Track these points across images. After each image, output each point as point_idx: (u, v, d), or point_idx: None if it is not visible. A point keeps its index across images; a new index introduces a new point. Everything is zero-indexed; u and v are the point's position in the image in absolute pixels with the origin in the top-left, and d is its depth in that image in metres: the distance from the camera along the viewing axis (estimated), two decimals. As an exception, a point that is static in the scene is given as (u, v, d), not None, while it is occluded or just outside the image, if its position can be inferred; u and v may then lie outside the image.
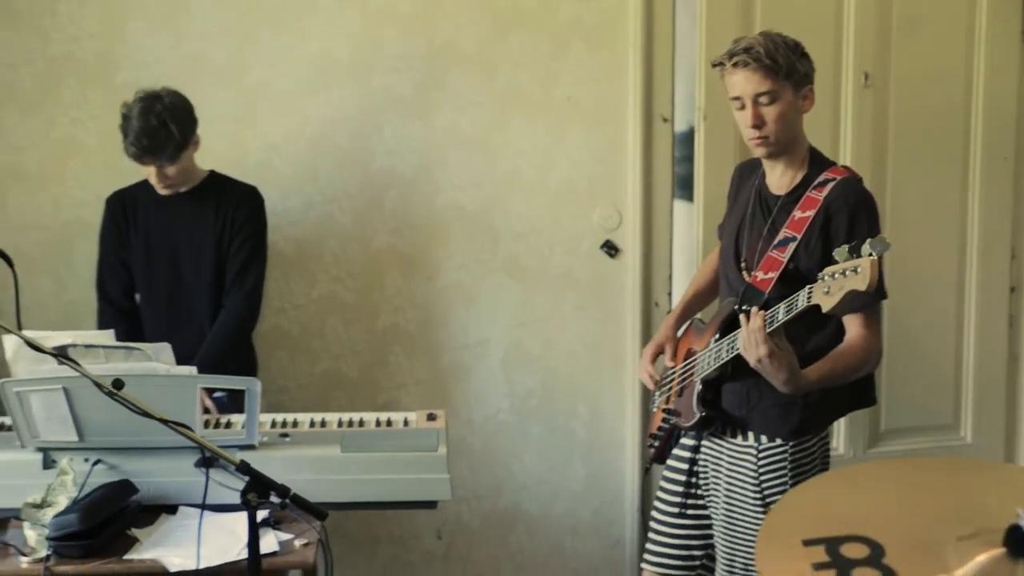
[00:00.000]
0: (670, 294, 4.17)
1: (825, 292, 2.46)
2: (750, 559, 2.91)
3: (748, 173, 3.07)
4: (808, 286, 2.54)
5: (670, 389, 3.13)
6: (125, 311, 3.68)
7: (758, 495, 2.89)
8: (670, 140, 4.12)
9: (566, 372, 4.25)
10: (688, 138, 4.05)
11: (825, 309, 2.47)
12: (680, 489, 3.09)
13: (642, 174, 4.12)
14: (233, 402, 3.41)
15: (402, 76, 4.05)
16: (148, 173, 3.51)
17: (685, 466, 3.08)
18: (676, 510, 3.10)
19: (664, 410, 3.12)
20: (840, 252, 2.45)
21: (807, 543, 1.90)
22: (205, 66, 3.95)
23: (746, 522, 2.91)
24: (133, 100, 3.44)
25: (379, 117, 4.06)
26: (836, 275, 2.44)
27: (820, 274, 2.50)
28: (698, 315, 3.28)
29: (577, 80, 4.11)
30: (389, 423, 3.24)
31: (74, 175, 3.98)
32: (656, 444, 3.17)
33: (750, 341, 2.61)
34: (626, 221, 4.17)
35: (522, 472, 4.29)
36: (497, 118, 4.11)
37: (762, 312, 2.61)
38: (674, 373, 3.13)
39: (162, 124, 3.38)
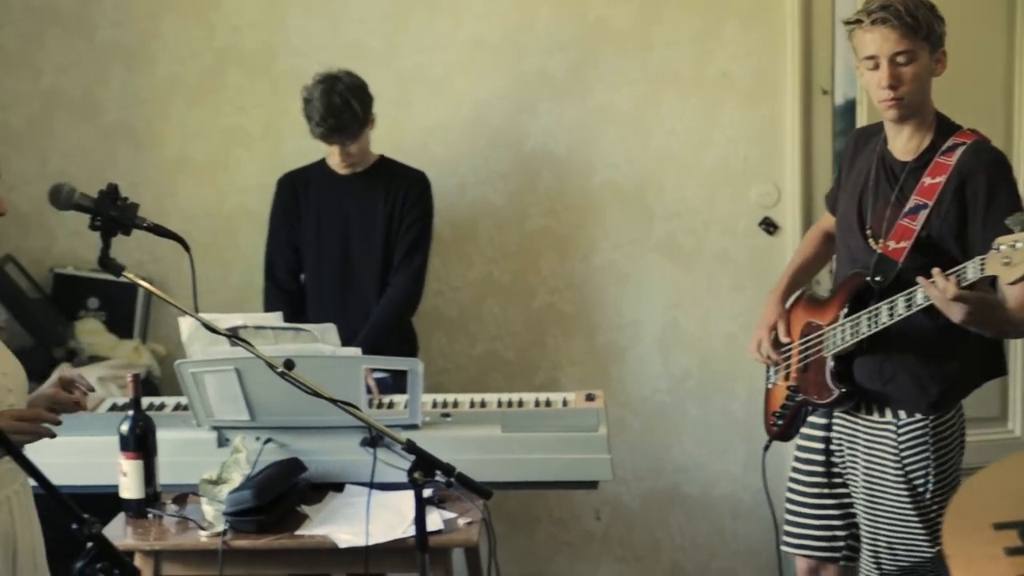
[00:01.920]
0: (831, 272, 4.05)
1: (1005, 263, 2.35)
2: (895, 539, 2.82)
3: (865, 140, 2.95)
4: (978, 257, 2.44)
5: (788, 366, 3.04)
6: (290, 291, 3.77)
7: (900, 474, 2.78)
8: (830, 113, 4.01)
9: (723, 353, 4.18)
10: (849, 110, 3.93)
11: (1010, 280, 2.35)
12: (820, 470, 2.98)
13: (801, 149, 4.02)
14: (396, 383, 3.46)
15: (555, 56, 4.04)
16: (331, 153, 3.61)
17: (820, 445, 2.97)
18: (814, 491, 3.00)
19: (788, 387, 3.04)
20: (1016, 220, 2.35)
21: (998, 527, 1.81)
22: (361, 52, 4.02)
23: (888, 502, 2.81)
24: (313, 83, 3.53)
25: (532, 98, 4.06)
26: (1018, 245, 2.33)
27: (995, 244, 2.39)
28: (805, 288, 3.18)
29: (732, 55, 4.03)
30: (548, 403, 3.25)
31: (239, 163, 4.11)
32: (780, 423, 3.08)
33: (952, 308, 2.52)
34: (784, 197, 4.08)
35: (681, 453, 4.25)
36: (651, 96, 4.07)
37: (950, 276, 2.50)
38: (791, 349, 3.05)
39: (345, 103, 3.48)
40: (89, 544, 1.49)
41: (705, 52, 4.03)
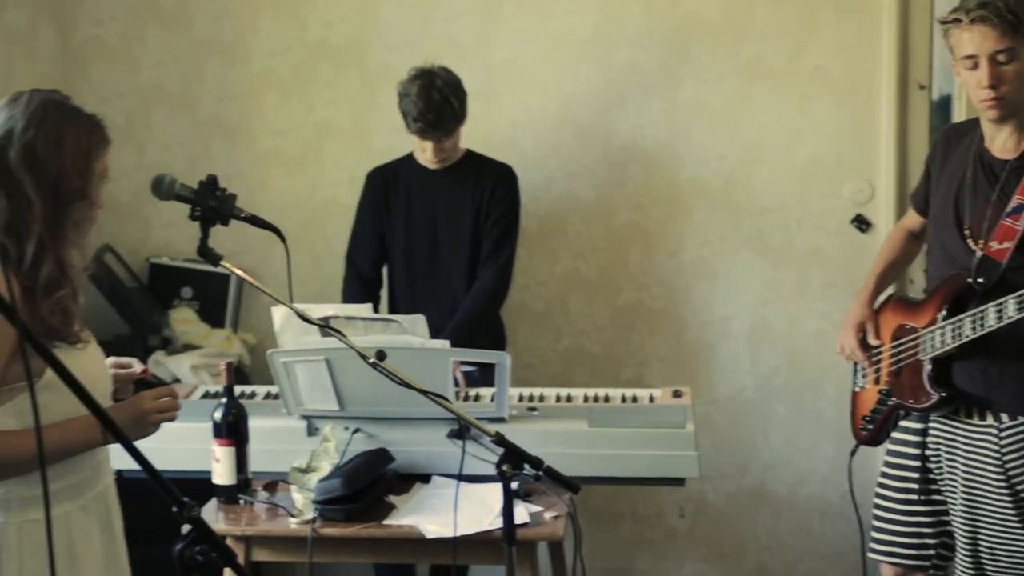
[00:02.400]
0: (926, 271, 3.97)
1: None
2: (997, 545, 2.75)
3: (958, 138, 2.87)
4: None
5: (879, 369, 2.98)
6: (369, 281, 3.80)
7: (1002, 479, 2.71)
8: (927, 108, 3.93)
9: (813, 351, 4.12)
10: (945, 106, 3.85)
11: None
12: (914, 476, 2.91)
13: (896, 145, 3.95)
14: (483, 377, 3.48)
15: (645, 50, 4.02)
16: (423, 147, 3.62)
17: (915, 451, 2.90)
18: (906, 497, 2.93)
19: (880, 391, 2.98)
20: None
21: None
22: (452, 46, 4.04)
23: (989, 507, 2.74)
24: (409, 79, 3.54)
25: (622, 92, 4.05)
26: None
27: None
28: (891, 290, 3.13)
29: (826, 49, 3.97)
30: (635, 399, 3.24)
31: (330, 156, 4.16)
32: (870, 427, 3.02)
33: None
34: (879, 194, 4.01)
35: (768, 452, 4.20)
36: (742, 91, 4.02)
37: None
38: (881, 352, 2.98)
39: (444, 99, 3.49)
40: (188, 527, 1.52)
41: (798, 46, 3.98)
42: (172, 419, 2.22)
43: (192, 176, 2.33)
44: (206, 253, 2.20)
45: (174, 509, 1.51)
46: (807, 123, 4.02)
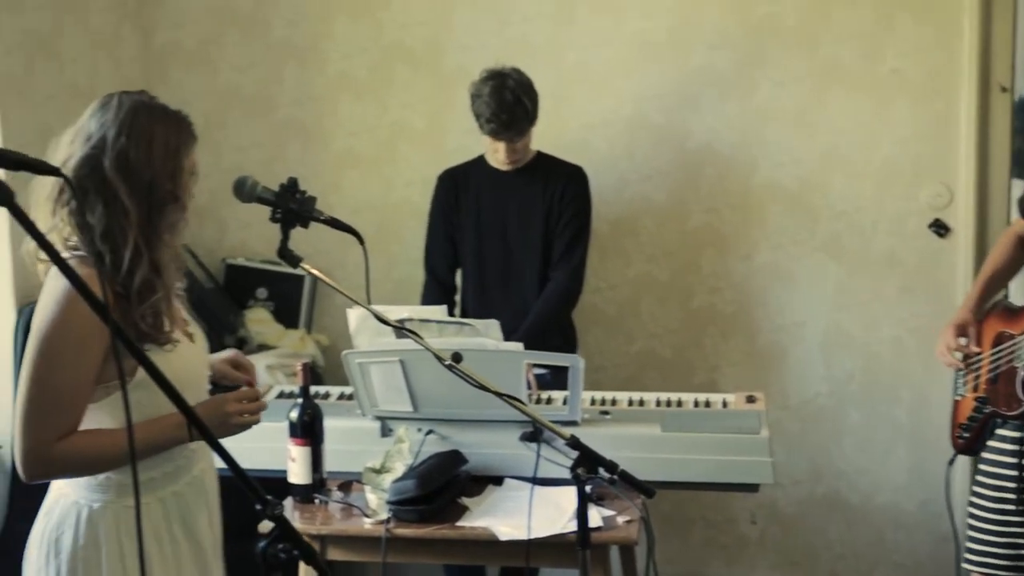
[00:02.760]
0: None
1: None
2: None
3: None
4: None
5: (978, 376, 2.92)
6: (447, 286, 3.82)
7: None
8: (1008, 110, 3.85)
9: (889, 357, 4.07)
10: (1028, 108, 3.77)
11: None
12: (1010, 485, 2.87)
13: (976, 148, 3.87)
14: (554, 380, 3.47)
15: (720, 52, 3.99)
16: (495, 148, 3.62)
17: (1011, 459, 2.86)
18: (1002, 506, 2.89)
19: (976, 399, 2.93)
20: None
21: None
22: (526, 48, 4.04)
23: None
24: (480, 80, 3.55)
25: (696, 94, 4.02)
26: None
27: None
28: (999, 297, 3.06)
29: (903, 51, 3.92)
30: (708, 404, 3.21)
31: (404, 157, 4.19)
32: (967, 435, 2.97)
33: None
34: (957, 199, 3.94)
35: (841, 459, 4.15)
36: (817, 93, 3.98)
37: None
38: (981, 359, 2.93)
39: (517, 99, 3.49)
40: (271, 525, 1.53)
41: (875, 48, 3.92)
42: (256, 422, 2.26)
43: (268, 178, 2.36)
44: (286, 255, 2.22)
45: (258, 507, 1.53)
46: (884, 126, 3.96)
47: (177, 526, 2.23)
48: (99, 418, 2.14)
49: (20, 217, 1.30)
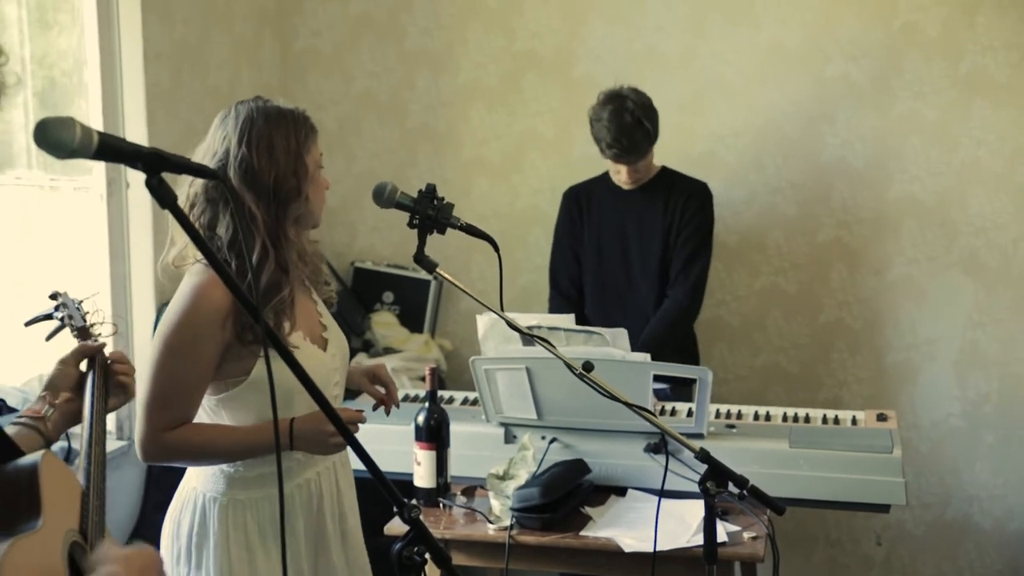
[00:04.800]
0: None
1: None
2: None
3: None
4: None
5: None
6: (572, 300, 3.81)
7: None
8: None
9: (1028, 379, 3.94)
10: None
11: None
12: None
13: None
14: (675, 394, 3.44)
15: (858, 63, 3.92)
16: (617, 170, 3.61)
17: None
18: None
19: None
20: None
21: None
22: (657, 59, 4.02)
23: None
24: (599, 104, 3.51)
25: (832, 106, 3.95)
26: None
27: None
28: None
29: (1053, 61, 3.79)
30: (837, 420, 3.14)
31: (532, 165, 4.21)
32: None
33: None
34: (1108, 216, 3.80)
35: (972, 482, 4.02)
36: (959, 105, 3.88)
37: None
38: None
39: (637, 122, 3.46)
40: (408, 528, 1.55)
41: (1022, 58, 3.80)
42: (342, 446, 2.26)
43: (399, 183, 2.38)
44: (423, 260, 2.24)
45: (395, 509, 1.55)
46: (1029, 139, 3.84)
47: (301, 519, 2.28)
48: (219, 414, 2.25)
49: (181, 218, 1.34)
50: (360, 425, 2.24)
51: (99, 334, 2.02)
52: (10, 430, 1.69)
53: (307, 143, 2.21)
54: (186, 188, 2.16)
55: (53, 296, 2.09)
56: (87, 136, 1.28)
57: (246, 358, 2.17)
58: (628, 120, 3.44)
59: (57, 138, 1.27)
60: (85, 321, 2.03)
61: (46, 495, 1.32)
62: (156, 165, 1.31)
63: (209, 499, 2.24)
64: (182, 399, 2.17)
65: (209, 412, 2.25)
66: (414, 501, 1.58)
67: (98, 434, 1.71)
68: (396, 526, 2.75)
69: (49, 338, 2.07)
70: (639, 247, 3.69)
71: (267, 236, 2.15)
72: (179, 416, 2.17)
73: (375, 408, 2.52)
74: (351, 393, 2.82)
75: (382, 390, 2.50)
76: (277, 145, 2.15)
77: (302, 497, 2.29)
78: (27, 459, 1.38)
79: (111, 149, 1.30)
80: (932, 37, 3.85)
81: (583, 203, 3.76)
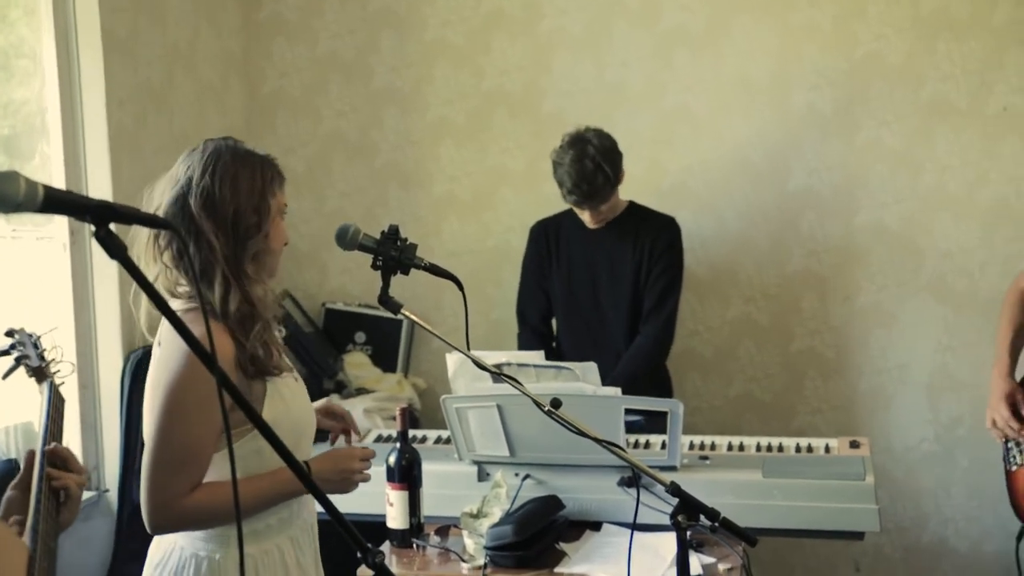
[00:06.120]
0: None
1: None
2: None
3: None
4: None
5: None
6: (542, 335, 3.81)
7: None
8: None
9: (999, 401, 3.95)
10: None
11: None
12: None
13: (1090, 187, 3.77)
14: (649, 425, 3.44)
15: (821, 92, 3.96)
16: (582, 211, 3.62)
17: None
18: None
19: None
20: None
21: None
22: (624, 92, 4.05)
23: None
24: (561, 148, 3.53)
25: (798, 135, 3.99)
26: None
27: None
28: None
29: (1015, 88, 3.84)
30: (810, 449, 3.15)
31: (503, 201, 4.22)
32: None
33: None
34: (1070, 239, 3.83)
35: (948, 506, 4.03)
36: (922, 132, 3.92)
37: None
38: None
39: (597, 167, 3.46)
40: (371, 573, 1.54)
41: (983, 84, 3.85)
42: (367, 479, 2.32)
43: (369, 223, 2.39)
44: (387, 301, 2.24)
45: (359, 555, 1.53)
46: (993, 164, 3.88)
47: (294, 571, 2.23)
48: (222, 467, 2.14)
49: (133, 271, 1.33)
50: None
51: (56, 371, 1.98)
52: None
53: (272, 186, 2.18)
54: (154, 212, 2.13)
55: (9, 333, 2.06)
56: (32, 190, 1.27)
57: (253, 403, 2.09)
58: (589, 166, 3.45)
59: (1, 193, 1.26)
60: (43, 360, 1.99)
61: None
62: (104, 216, 1.30)
63: (218, 561, 2.15)
64: (195, 460, 2.07)
65: (214, 469, 2.14)
66: (384, 545, 1.57)
67: (47, 490, 1.65)
68: (365, 572, 2.74)
69: (5, 376, 2.03)
70: (609, 284, 3.70)
71: (227, 266, 2.10)
72: (194, 479, 2.07)
73: (332, 442, 2.51)
74: (321, 434, 2.81)
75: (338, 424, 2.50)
76: (242, 180, 2.12)
77: (307, 540, 2.29)
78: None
79: (58, 202, 1.29)
80: (894, 65, 3.90)
81: (551, 238, 3.77)
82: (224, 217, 2.10)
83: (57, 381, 1.92)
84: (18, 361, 1.98)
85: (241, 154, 2.16)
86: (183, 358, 2.03)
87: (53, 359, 1.99)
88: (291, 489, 2.16)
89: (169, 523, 2.11)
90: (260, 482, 2.13)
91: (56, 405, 1.85)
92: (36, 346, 1.99)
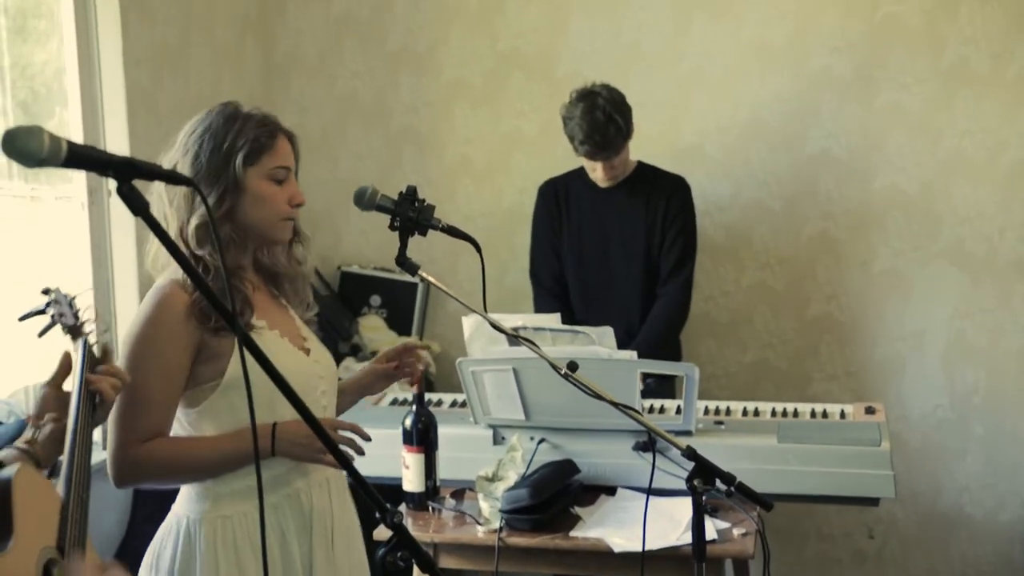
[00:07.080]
0: None
1: None
2: None
3: None
4: None
5: None
6: (556, 295, 3.80)
7: None
8: None
9: (1016, 368, 3.94)
10: None
11: None
12: None
13: (1113, 153, 3.73)
14: (659, 388, 3.44)
15: (840, 55, 3.91)
16: (593, 168, 3.60)
17: None
18: None
19: None
20: None
21: None
22: (641, 55, 4.02)
23: None
24: (571, 102, 3.51)
25: (815, 99, 3.95)
26: None
27: None
28: None
29: (1035, 52, 3.79)
30: (825, 415, 3.14)
31: (517, 165, 4.20)
32: None
33: None
34: (1092, 205, 3.80)
35: (963, 474, 4.02)
36: (942, 96, 3.88)
37: None
38: None
39: (608, 118, 3.44)
40: (391, 533, 1.54)
41: (1006, 49, 3.80)
42: (332, 465, 2.13)
43: (384, 186, 2.37)
44: (404, 263, 2.23)
45: (378, 515, 1.54)
46: (1012, 129, 3.84)
47: (274, 538, 2.17)
48: (199, 426, 2.15)
49: (155, 227, 1.34)
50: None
51: (91, 331, 1.99)
52: (2, 456, 1.66)
53: (259, 144, 2.12)
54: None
55: (45, 291, 2.06)
56: (56, 145, 1.27)
57: (220, 357, 2.10)
58: (600, 117, 3.43)
59: (25, 148, 1.25)
60: (78, 319, 2.00)
61: (19, 513, 1.30)
62: (127, 173, 1.31)
63: (193, 521, 2.14)
64: (150, 410, 2.07)
65: (189, 428, 2.16)
66: (400, 507, 1.57)
67: (82, 442, 1.68)
68: (383, 532, 2.74)
69: (41, 335, 2.03)
70: (621, 245, 3.69)
71: (211, 221, 2.06)
72: (149, 429, 2.06)
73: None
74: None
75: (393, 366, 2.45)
76: (227, 140, 2.09)
77: (293, 508, 2.20)
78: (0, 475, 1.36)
79: (81, 157, 1.29)
80: (914, 28, 3.85)
81: (560, 198, 3.75)
82: (212, 172, 2.09)
83: (91, 341, 1.93)
84: (54, 319, 1.98)
85: (231, 116, 2.13)
86: (146, 310, 2.08)
87: (88, 319, 1.99)
88: (247, 450, 1.98)
89: (124, 473, 2.09)
90: (222, 441, 2.11)
91: (90, 362, 1.86)
92: (71, 305, 2.00)
